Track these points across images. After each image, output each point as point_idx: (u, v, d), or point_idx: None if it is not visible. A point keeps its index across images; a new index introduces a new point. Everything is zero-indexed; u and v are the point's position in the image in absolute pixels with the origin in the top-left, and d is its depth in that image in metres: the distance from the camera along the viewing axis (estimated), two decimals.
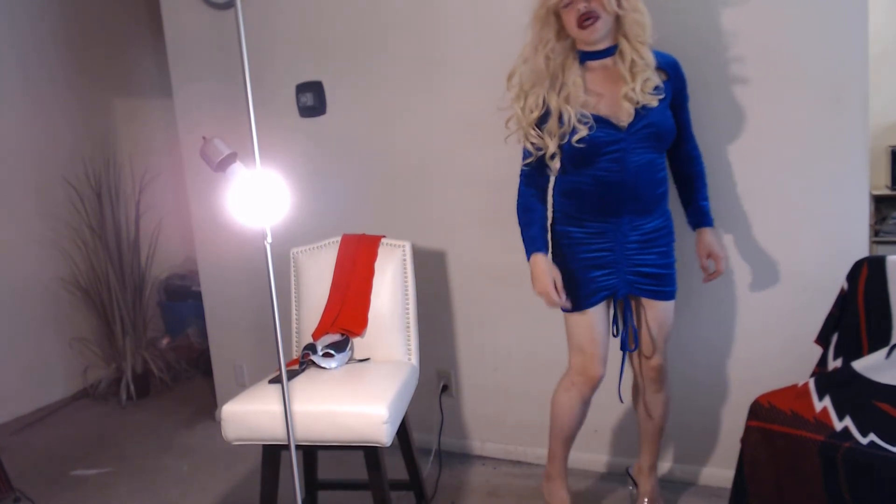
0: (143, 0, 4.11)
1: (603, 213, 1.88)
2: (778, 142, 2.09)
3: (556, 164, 1.91)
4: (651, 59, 1.81)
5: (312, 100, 2.72)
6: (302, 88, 2.73)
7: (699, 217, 2.00)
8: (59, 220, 3.73)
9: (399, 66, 2.57)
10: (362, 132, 2.69)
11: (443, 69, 2.50)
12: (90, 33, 3.95)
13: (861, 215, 2.07)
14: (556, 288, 1.88)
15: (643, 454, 2.15)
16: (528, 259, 1.94)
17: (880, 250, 4.17)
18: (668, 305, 1.97)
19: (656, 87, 1.81)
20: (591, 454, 2.49)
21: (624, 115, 1.80)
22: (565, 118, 1.81)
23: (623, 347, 2.01)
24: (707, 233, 1.99)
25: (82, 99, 3.89)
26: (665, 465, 2.40)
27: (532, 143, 1.89)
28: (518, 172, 2.00)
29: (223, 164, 1.63)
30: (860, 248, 2.05)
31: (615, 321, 2.03)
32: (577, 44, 1.86)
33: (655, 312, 1.97)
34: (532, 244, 1.94)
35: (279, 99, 2.77)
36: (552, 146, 1.85)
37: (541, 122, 1.87)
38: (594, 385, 2.01)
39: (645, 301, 1.97)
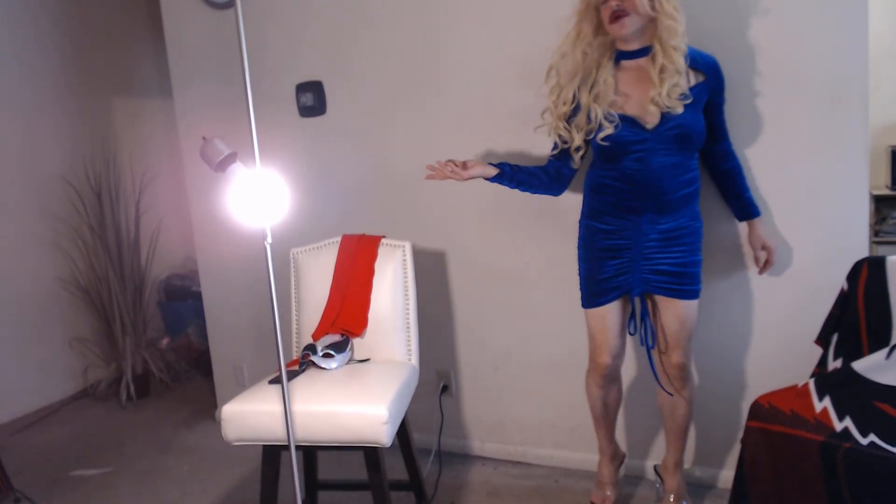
0: (143, 0, 4.11)
1: (623, 210, 1.93)
2: (778, 142, 2.09)
3: (577, 157, 2.01)
4: (682, 65, 1.82)
5: (312, 100, 2.72)
6: (302, 88, 2.73)
7: (745, 208, 2.06)
8: (59, 220, 3.73)
9: (399, 65, 2.57)
10: (362, 132, 2.68)
11: (443, 68, 2.50)
12: (90, 33, 3.95)
13: (861, 215, 2.07)
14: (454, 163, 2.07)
15: (668, 451, 2.17)
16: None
17: (880, 250, 4.17)
18: (690, 304, 1.97)
19: (683, 94, 1.83)
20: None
21: (649, 117, 1.85)
22: (592, 116, 1.90)
23: (643, 343, 2.07)
24: (757, 224, 2.05)
25: (82, 99, 3.89)
26: None
27: (559, 136, 2.00)
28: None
29: (223, 164, 1.64)
30: (860, 248, 2.05)
31: (632, 318, 2.07)
32: (615, 42, 1.91)
33: (676, 310, 1.97)
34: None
35: (279, 99, 2.77)
36: (578, 140, 1.95)
37: (571, 116, 1.97)
38: (602, 373, 2.07)
39: (664, 299, 1.97)
